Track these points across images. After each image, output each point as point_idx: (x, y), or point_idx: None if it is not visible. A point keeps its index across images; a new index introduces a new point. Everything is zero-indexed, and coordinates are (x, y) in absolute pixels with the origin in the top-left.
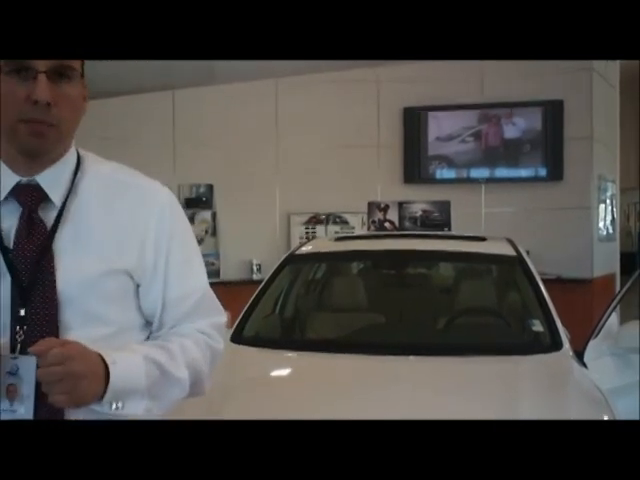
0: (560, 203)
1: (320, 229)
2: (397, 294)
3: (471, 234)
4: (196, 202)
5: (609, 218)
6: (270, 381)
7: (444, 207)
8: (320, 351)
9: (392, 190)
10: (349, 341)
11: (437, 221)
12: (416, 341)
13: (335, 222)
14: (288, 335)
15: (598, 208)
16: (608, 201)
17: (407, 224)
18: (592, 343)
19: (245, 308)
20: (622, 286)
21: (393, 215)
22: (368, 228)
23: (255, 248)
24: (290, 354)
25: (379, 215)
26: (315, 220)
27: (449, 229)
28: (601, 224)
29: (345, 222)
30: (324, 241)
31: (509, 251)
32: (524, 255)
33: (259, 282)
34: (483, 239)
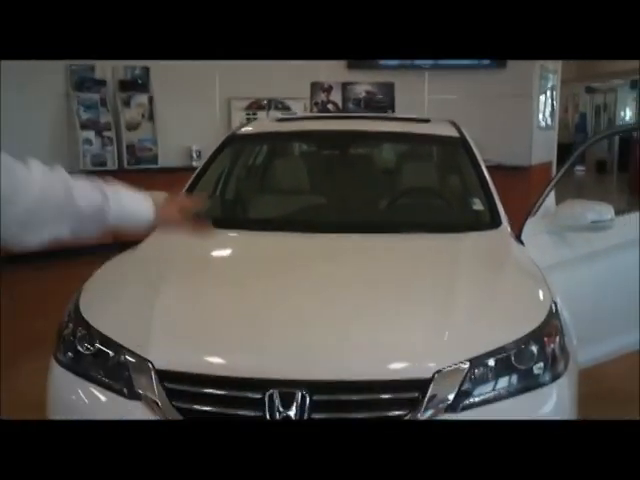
0: (503, 91)
1: (262, 115)
2: (340, 175)
3: (415, 116)
4: (131, 85)
5: (549, 109)
6: (209, 257)
7: (388, 89)
8: (261, 230)
9: (335, 76)
10: (291, 220)
11: (381, 103)
12: (359, 219)
13: (277, 107)
14: (229, 215)
15: (539, 98)
16: (549, 92)
17: (350, 106)
18: (530, 221)
19: (184, 188)
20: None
21: (336, 97)
22: (311, 110)
23: (194, 134)
24: (230, 233)
25: (322, 97)
26: (256, 105)
27: (393, 111)
28: (540, 116)
29: (287, 108)
30: (266, 122)
31: (452, 132)
32: (467, 136)
33: None
34: (427, 121)
